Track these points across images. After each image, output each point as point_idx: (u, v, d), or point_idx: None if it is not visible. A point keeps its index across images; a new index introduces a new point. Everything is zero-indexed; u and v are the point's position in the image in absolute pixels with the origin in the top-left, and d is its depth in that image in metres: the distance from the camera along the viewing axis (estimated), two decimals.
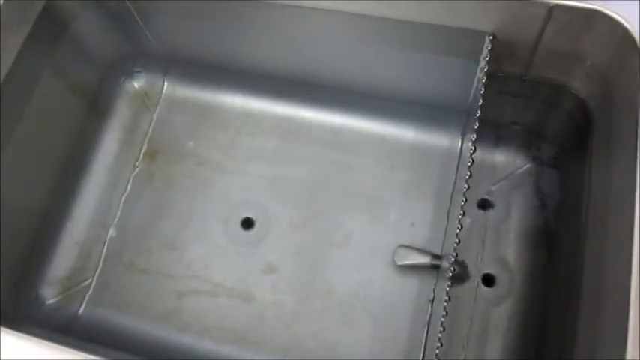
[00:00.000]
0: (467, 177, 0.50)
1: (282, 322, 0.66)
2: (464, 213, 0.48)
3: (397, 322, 0.65)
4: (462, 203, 0.49)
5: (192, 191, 0.73)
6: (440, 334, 0.45)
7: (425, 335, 0.63)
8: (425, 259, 0.65)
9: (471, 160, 0.52)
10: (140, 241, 0.71)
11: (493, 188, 0.70)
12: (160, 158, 0.75)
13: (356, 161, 0.72)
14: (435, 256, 0.65)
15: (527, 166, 0.70)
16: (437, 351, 0.44)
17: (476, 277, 0.66)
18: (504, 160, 0.71)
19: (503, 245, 0.67)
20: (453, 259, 0.47)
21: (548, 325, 0.61)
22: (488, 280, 0.66)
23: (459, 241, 0.48)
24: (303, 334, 0.65)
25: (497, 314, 0.65)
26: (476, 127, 0.53)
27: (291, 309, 0.66)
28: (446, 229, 0.68)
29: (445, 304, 0.46)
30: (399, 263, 0.66)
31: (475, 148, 0.53)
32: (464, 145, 0.71)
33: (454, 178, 0.69)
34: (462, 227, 0.48)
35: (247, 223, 0.71)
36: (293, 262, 0.68)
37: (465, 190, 0.50)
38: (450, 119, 0.71)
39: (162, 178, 0.74)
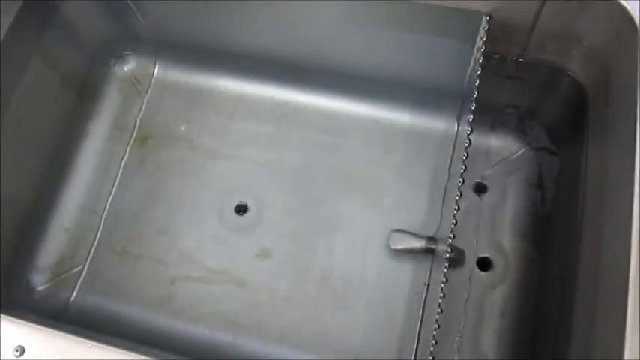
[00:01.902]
0: (464, 158, 0.50)
1: (277, 308, 0.65)
2: (461, 194, 0.48)
3: (392, 306, 0.64)
4: (459, 184, 0.48)
5: (184, 177, 0.72)
6: (437, 316, 0.44)
7: (420, 319, 0.63)
8: (420, 243, 0.65)
9: (467, 141, 0.51)
10: (132, 227, 0.70)
11: (488, 172, 0.70)
12: (152, 143, 0.74)
13: (350, 145, 0.71)
14: (430, 240, 0.65)
15: (523, 150, 0.70)
16: (434, 332, 0.44)
17: (471, 261, 0.66)
18: (500, 144, 0.70)
19: (499, 229, 0.67)
20: (450, 241, 0.46)
21: (544, 310, 0.61)
22: (484, 264, 0.66)
23: (456, 222, 0.47)
24: (297, 319, 0.65)
25: (492, 298, 0.64)
26: (473, 107, 0.52)
27: (286, 294, 0.66)
28: (441, 213, 0.67)
29: (442, 285, 0.45)
30: (394, 247, 0.66)
31: (472, 128, 0.52)
32: (460, 129, 0.70)
33: (449, 162, 0.69)
34: (458, 209, 0.48)
35: (241, 209, 0.70)
36: (287, 247, 0.68)
37: (462, 171, 0.49)
38: (445, 102, 0.70)
39: (154, 164, 0.73)
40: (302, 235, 0.68)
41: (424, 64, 0.67)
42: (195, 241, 0.69)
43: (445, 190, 0.68)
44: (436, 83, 0.69)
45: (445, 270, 0.46)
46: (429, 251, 0.65)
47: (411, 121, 0.72)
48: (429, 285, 0.64)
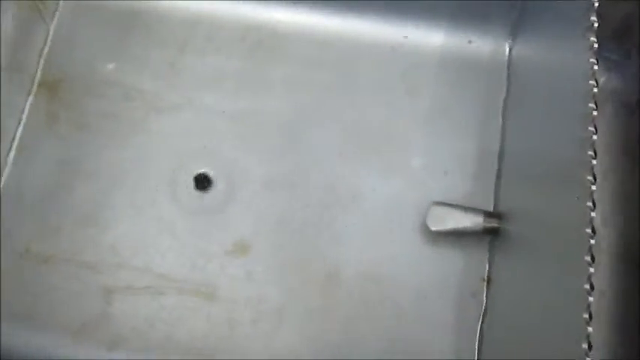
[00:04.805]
0: (594, 113, 0.29)
1: (263, 327, 0.46)
2: (595, 154, 0.27)
3: (435, 315, 0.46)
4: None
5: (117, 138, 0.52)
6: (589, 329, 0.24)
7: (478, 334, 0.45)
8: (473, 221, 0.45)
9: (594, 83, 0.30)
10: (41, 215, 0.50)
11: None
12: (65, 91, 0.53)
13: (357, 85, 0.52)
14: (489, 215, 0.45)
15: (604, 78, 0.50)
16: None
17: None
18: None
19: None
20: (592, 214, 0.26)
21: None
22: None
23: (595, 179, 0.27)
24: (294, 342, 0.46)
25: None
26: (594, 23, 0.32)
27: (276, 307, 0.47)
28: (498, 174, 0.48)
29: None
30: (434, 229, 0.46)
31: (598, 60, 0.31)
32: (514, 53, 0.51)
33: (502, 102, 0.50)
34: (595, 179, 0.27)
35: (203, 182, 0.51)
36: (274, 236, 0.49)
37: (592, 137, 0.28)
38: (492, 14, 0.51)
39: (71, 120, 0.52)
40: (295, 218, 0.49)
41: None
42: (136, 233, 0.49)
43: (502, 142, 0.49)
44: None
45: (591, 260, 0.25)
46: (489, 232, 0.45)
47: (444, 46, 0.53)
48: (489, 281, 0.45)
